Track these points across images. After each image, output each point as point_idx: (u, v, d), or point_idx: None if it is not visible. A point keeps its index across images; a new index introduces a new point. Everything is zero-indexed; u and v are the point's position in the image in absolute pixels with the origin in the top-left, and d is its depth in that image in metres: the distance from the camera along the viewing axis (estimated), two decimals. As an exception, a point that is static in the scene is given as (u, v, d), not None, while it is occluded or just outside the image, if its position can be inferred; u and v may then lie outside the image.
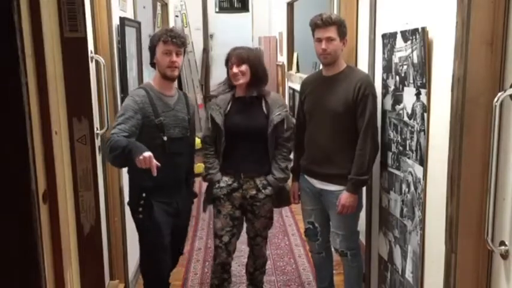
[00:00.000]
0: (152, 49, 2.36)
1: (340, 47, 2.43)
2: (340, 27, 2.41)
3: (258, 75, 2.55)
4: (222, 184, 2.59)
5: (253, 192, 2.59)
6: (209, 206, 2.69)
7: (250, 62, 2.51)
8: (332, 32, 2.39)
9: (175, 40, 2.28)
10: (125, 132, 2.16)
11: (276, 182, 2.59)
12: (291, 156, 2.67)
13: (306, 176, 2.63)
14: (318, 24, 2.41)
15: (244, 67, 2.49)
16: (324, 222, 2.63)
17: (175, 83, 2.50)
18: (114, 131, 2.17)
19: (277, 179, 2.58)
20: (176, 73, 2.35)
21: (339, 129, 2.44)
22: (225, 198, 2.59)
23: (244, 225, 2.74)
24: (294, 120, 2.77)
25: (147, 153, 2.00)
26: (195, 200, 2.79)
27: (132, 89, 2.47)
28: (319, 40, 2.41)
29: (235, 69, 2.49)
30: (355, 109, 2.39)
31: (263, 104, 2.57)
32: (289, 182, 2.74)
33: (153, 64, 2.39)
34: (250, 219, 2.68)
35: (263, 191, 2.59)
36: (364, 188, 2.58)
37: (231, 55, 2.53)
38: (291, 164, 2.70)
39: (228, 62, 2.55)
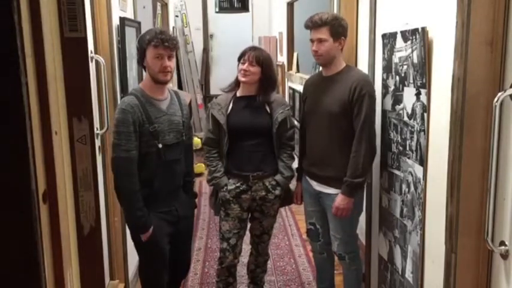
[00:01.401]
0: (141, 52, 2.20)
1: (333, 48, 2.36)
2: (333, 27, 2.33)
3: (269, 80, 2.56)
4: (230, 187, 2.57)
5: (263, 193, 2.59)
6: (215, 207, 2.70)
7: (264, 66, 2.51)
8: (323, 33, 2.33)
9: (167, 44, 2.14)
10: (133, 151, 2.13)
11: (285, 181, 2.62)
12: (294, 154, 2.67)
13: (307, 178, 2.62)
14: (308, 25, 2.38)
15: (256, 69, 2.49)
16: (325, 224, 2.62)
17: (171, 85, 2.46)
18: (123, 154, 2.11)
19: (286, 177, 2.61)
20: (169, 77, 2.21)
21: (336, 131, 2.40)
22: (234, 201, 2.58)
23: (248, 223, 2.75)
24: (294, 121, 2.77)
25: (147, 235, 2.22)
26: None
27: (123, 98, 2.26)
28: (312, 41, 2.39)
29: (246, 66, 2.49)
30: (351, 110, 2.34)
31: (265, 104, 2.57)
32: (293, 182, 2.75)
33: (143, 66, 2.26)
34: (258, 218, 2.69)
35: (273, 191, 2.59)
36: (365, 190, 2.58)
37: (248, 53, 2.51)
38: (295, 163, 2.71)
39: (241, 58, 2.54)
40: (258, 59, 2.49)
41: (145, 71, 2.27)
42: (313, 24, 2.36)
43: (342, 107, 2.35)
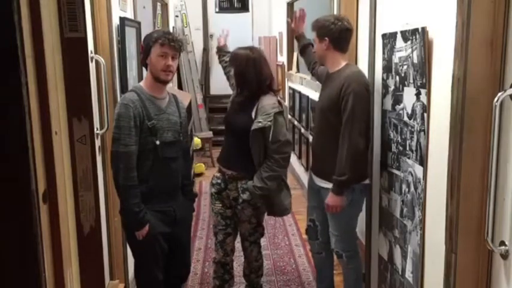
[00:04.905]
0: (147, 49, 2.23)
1: (320, 48, 2.48)
2: (318, 29, 2.46)
3: (243, 77, 2.56)
4: (213, 181, 2.70)
5: (235, 194, 2.62)
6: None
7: (235, 65, 2.60)
8: (314, 35, 2.50)
9: (173, 44, 2.20)
10: (132, 146, 2.14)
11: (253, 190, 2.52)
12: (278, 168, 2.53)
13: (311, 173, 2.66)
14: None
15: (233, 69, 2.65)
16: (325, 222, 2.62)
17: (171, 84, 2.47)
18: (123, 148, 2.11)
19: (254, 186, 2.52)
20: (170, 77, 2.24)
21: (327, 127, 2.45)
22: (216, 197, 2.68)
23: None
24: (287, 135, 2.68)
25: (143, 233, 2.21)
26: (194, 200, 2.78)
27: (124, 94, 2.27)
28: None
29: None
30: (340, 107, 2.36)
31: (254, 108, 2.53)
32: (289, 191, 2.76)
33: (145, 64, 2.28)
34: (236, 222, 2.70)
35: (241, 195, 2.59)
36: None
37: None
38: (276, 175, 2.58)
39: None
40: (230, 59, 2.68)
41: (146, 69, 2.29)
42: (311, 29, 2.54)
43: (330, 103, 2.40)
